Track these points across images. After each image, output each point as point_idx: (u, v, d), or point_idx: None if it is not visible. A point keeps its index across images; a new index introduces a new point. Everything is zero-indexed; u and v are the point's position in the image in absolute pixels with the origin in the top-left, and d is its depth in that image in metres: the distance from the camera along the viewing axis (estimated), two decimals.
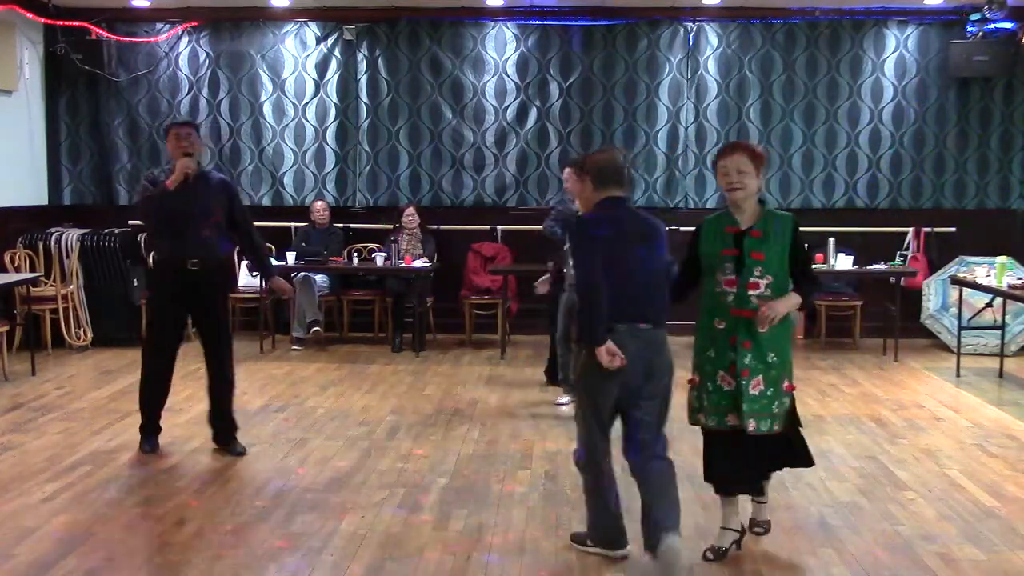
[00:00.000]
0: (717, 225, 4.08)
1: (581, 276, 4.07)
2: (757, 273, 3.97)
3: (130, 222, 9.56)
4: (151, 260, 5.80)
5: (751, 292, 3.98)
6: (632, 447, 4.02)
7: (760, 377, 3.99)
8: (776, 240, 3.99)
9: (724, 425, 4.05)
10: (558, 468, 5.42)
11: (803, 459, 4.28)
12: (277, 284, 5.99)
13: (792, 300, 4.01)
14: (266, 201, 9.87)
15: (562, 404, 6.88)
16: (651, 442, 4.02)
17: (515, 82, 9.66)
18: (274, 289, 6.09)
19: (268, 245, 9.69)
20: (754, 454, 4.10)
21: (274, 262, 9.02)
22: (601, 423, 4.05)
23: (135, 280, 9.16)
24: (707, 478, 4.26)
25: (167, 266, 5.61)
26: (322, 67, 9.75)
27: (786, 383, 4.07)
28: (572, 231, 4.18)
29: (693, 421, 4.16)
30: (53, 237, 8.92)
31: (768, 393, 4.00)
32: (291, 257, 8.87)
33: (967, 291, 8.18)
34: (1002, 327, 8.23)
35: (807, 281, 4.10)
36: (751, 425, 3.97)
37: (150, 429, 5.74)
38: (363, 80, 9.74)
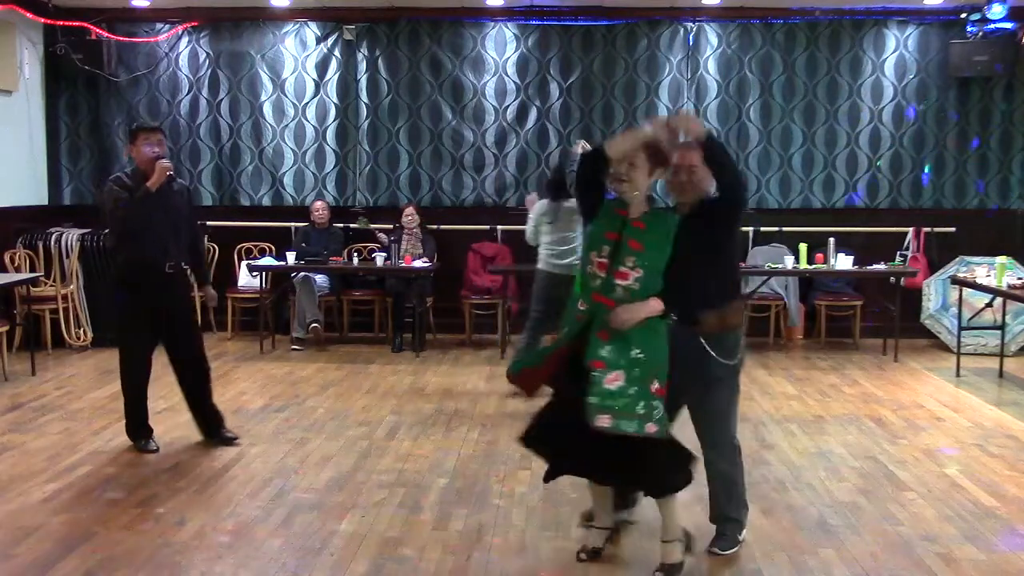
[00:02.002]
0: (609, 207, 3.94)
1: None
2: (630, 263, 3.77)
3: None
4: (120, 263, 5.69)
5: (618, 281, 3.77)
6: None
7: (620, 372, 3.71)
8: (657, 236, 3.79)
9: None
10: None
11: (650, 485, 3.96)
12: (208, 293, 6.12)
13: (652, 306, 3.75)
14: (266, 201, 9.87)
15: None
16: None
17: (515, 82, 9.66)
18: (204, 296, 6.15)
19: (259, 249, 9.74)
20: (593, 449, 3.83)
21: (274, 262, 9.11)
22: None
23: None
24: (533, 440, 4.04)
25: (143, 269, 5.59)
26: (322, 67, 9.75)
27: (655, 386, 3.76)
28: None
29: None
30: (53, 237, 8.92)
31: (630, 392, 3.71)
32: (291, 257, 8.86)
33: (967, 291, 8.18)
34: (1002, 327, 8.23)
35: (684, 291, 3.85)
36: (604, 420, 3.68)
37: (145, 433, 5.76)
38: (363, 80, 9.74)
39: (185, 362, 5.80)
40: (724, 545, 4.21)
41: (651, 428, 3.72)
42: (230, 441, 5.82)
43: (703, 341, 4.00)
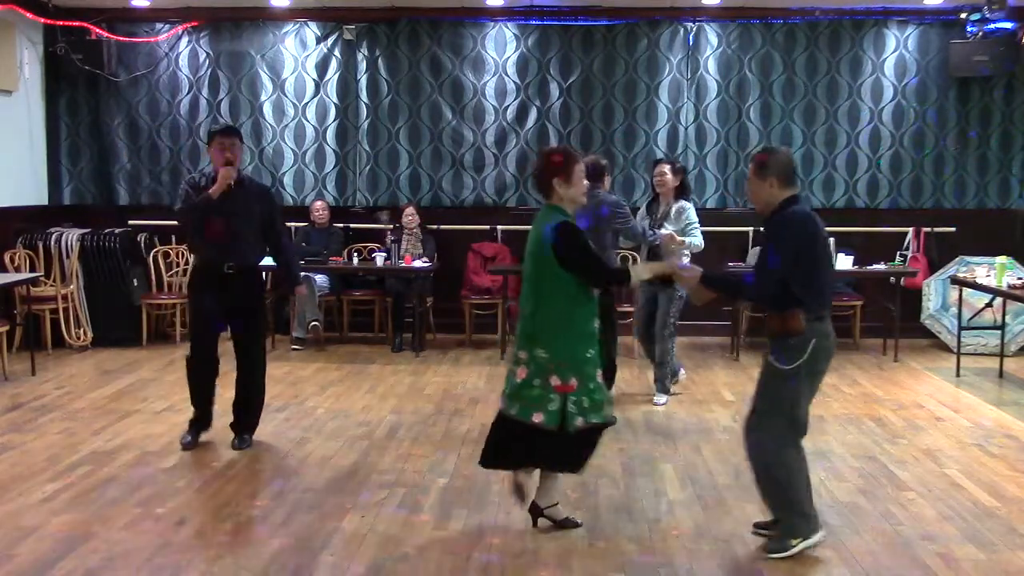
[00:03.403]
0: None
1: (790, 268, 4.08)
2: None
3: (130, 222, 9.58)
4: (192, 262, 5.86)
5: None
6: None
7: (524, 368, 4.32)
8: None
9: (607, 418, 4.36)
10: None
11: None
12: (300, 292, 6.19)
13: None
14: None
15: (660, 405, 6.96)
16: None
17: (515, 82, 9.65)
18: (297, 294, 6.69)
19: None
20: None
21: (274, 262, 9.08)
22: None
23: (135, 280, 9.17)
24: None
25: (206, 269, 5.72)
26: (322, 67, 9.75)
27: (556, 382, 4.30)
28: (789, 229, 4.10)
29: (573, 427, 4.21)
30: (53, 237, 8.92)
31: (534, 383, 4.31)
32: None
33: (967, 291, 8.18)
34: (1002, 327, 8.23)
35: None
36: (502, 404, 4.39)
37: (199, 425, 5.85)
38: (363, 80, 9.74)
39: (240, 367, 5.85)
40: (772, 547, 4.19)
41: (537, 418, 4.20)
42: (238, 446, 5.77)
43: (770, 341, 4.21)
